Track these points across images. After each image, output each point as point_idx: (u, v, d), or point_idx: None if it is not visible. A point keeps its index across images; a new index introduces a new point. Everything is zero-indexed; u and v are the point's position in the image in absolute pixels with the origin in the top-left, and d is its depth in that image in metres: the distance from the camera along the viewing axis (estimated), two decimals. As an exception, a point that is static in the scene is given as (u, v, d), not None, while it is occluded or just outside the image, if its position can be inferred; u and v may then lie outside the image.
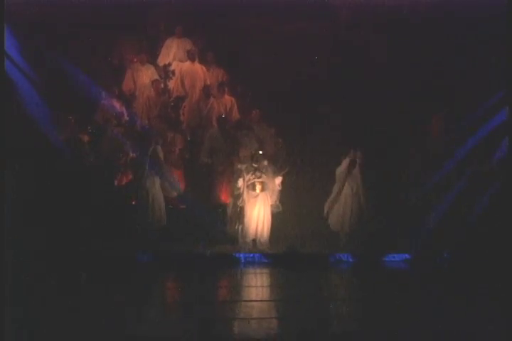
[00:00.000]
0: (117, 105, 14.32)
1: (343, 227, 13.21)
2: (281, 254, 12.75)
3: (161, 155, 13.17)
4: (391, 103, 13.95)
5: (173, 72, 14.87)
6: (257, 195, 13.08)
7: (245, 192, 13.09)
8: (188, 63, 15.05)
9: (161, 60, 15.13)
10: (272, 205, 13.19)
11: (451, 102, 13.78)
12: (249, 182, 13.08)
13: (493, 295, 10.10)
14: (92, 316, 9.19)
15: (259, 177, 13.09)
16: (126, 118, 14.21)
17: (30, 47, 13.61)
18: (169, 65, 14.94)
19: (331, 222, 13.32)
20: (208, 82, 14.96)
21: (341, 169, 13.23)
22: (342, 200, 13.22)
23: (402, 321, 9.10)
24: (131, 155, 13.37)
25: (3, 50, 10.75)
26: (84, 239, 12.22)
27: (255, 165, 13.08)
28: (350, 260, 12.78)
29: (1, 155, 9.38)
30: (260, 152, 13.36)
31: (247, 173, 13.09)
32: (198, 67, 15.06)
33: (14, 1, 13.33)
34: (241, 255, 12.83)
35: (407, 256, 12.88)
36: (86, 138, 13.66)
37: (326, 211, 13.34)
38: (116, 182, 13.30)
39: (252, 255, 12.87)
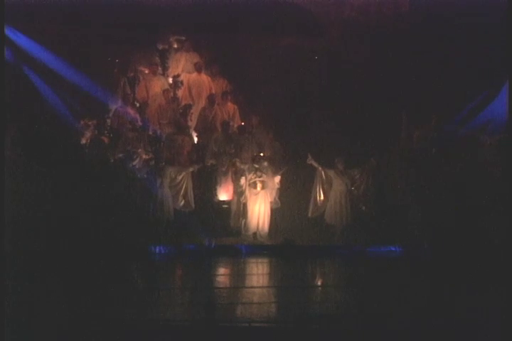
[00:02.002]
0: (131, 112, 14.90)
1: (339, 221, 13.72)
2: (280, 246, 13.25)
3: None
4: (382, 108, 14.42)
5: (182, 83, 15.44)
6: (258, 193, 13.65)
7: (247, 190, 13.68)
8: (195, 74, 15.60)
9: (171, 72, 15.69)
10: (271, 202, 13.73)
11: (437, 106, 14.28)
12: (251, 181, 13.67)
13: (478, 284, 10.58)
14: (110, 299, 9.68)
15: (260, 177, 13.66)
16: (139, 123, 14.71)
17: (55, 60, 14.38)
18: (178, 76, 15.55)
19: (327, 216, 13.80)
20: (213, 91, 15.47)
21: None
22: (337, 196, 13.70)
23: (391, 306, 9.49)
24: (143, 157, 13.87)
25: (3, 50, 10.98)
26: (97, 233, 12.49)
27: (256, 166, 13.66)
28: (344, 251, 13.20)
29: (1, 154, 9.62)
30: (261, 154, 14.02)
31: (249, 173, 13.69)
32: (204, 78, 15.60)
33: (40, 17, 14.38)
34: (242, 246, 13.35)
35: (396, 247, 13.39)
36: (106, 140, 14.28)
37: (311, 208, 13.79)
38: (129, 181, 13.57)
39: (252, 246, 13.40)
